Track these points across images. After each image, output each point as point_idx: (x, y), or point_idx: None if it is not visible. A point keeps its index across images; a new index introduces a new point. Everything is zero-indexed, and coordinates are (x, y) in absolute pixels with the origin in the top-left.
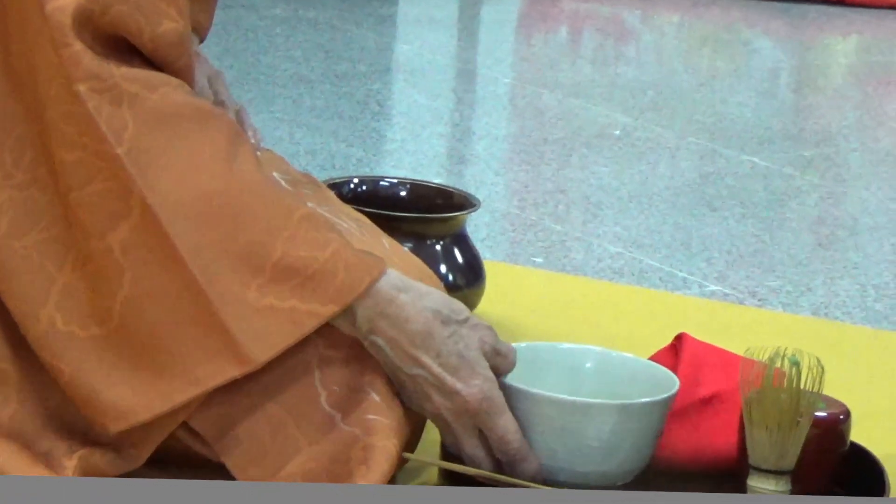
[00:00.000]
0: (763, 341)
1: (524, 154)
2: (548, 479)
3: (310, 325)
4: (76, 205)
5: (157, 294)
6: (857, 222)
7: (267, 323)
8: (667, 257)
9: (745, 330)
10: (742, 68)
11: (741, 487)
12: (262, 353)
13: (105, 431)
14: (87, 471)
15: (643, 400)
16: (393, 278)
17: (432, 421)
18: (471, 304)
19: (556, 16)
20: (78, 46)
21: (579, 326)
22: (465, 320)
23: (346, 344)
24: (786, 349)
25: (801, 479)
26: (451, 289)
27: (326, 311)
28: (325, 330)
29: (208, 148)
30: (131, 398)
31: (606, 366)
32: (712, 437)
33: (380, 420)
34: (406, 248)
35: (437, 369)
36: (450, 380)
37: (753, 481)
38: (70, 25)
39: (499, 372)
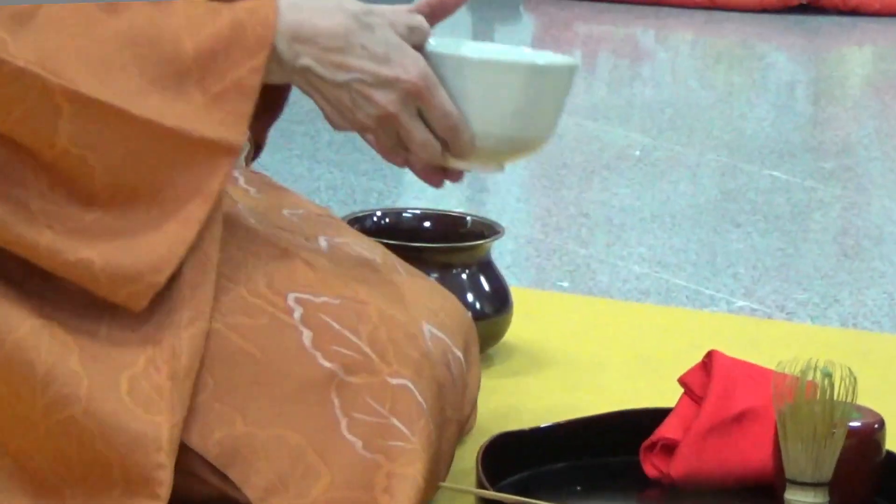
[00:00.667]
0: (793, 354)
1: (545, 179)
2: (477, 146)
3: (256, 81)
4: (12, 131)
5: (124, 153)
6: (882, 231)
7: (223, 108)
8: (692, 275)
9: (775, 344)
10: (758, 83)
11: (779, 502)
12: (236, 134)
13: (155, 286)
14: None
15: (562, 61)
16: (288, 3)
17: (374, 132)
18: (499, 332)
19: (570, 38)
20: None
21: (608, 349)
22: (370, 11)
23: (365, 369)
24: (817, 361)
25: (839, 490)
26: (479, 317)
27: (259, 61)
28: (343, 357)
29: (86, 7)
30: (158, 244)
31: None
32: (747, 453)
33: (402, 446)
34: (432, 278)
35: (368, 65)
36: (385, 69)
37: (791, 494)
38: None
39: (418, 45)
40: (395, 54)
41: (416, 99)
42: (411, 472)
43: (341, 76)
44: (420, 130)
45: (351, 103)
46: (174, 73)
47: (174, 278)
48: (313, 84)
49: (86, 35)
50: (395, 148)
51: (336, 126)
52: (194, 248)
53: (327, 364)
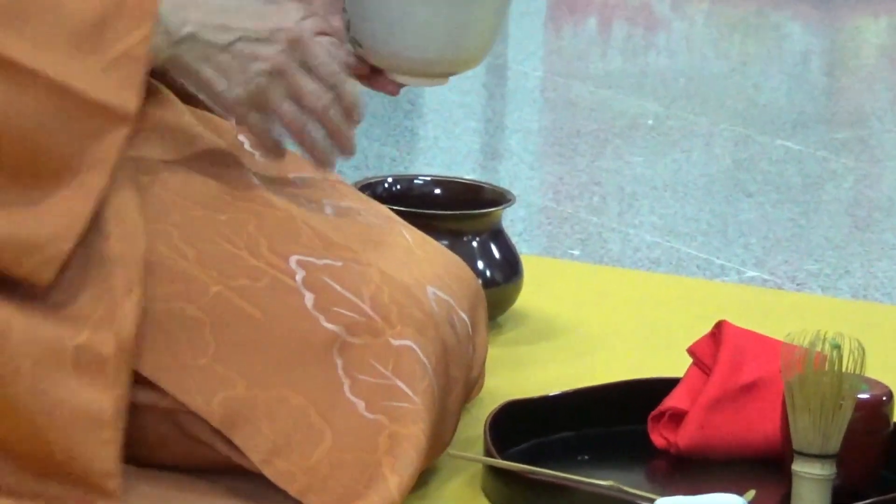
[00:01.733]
0: (803, 325)
1: (558, 147)
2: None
3: (144, 50)
4: None
5: (28, 118)
6: (894, 203)
7: (119, 74)
8: (704, 245)
9: (785, 315)
10: (773, 53)
11: (786, 473)
12: (130, 102)
13: (61, 254)
14: None
15: None
16: None
17: (259, 96)
18: (509, 299)
19: (585, 7)
20: None
21: (618, 317)
22: None
23: (367, 331)
24: (826, 333)
25: (846, 462)
26: (489, 285)
27: (145, 30)
28: (346, 318)
29: None
30: (56, 213)
31: None
32: (755, 424)
33: (405, 406)
34: (443, 245)
35: (248, 23)
36: (266, 23)
37: (798, 466)
38: None
39: None
40: (270, 8)
41: (303, 49)
42: (414, 432)
43: (225, 37)
44: (308, 82)
45: (239, 65)
46: (70, 35)
47: (101, 248)
48: (199, 53)
49: None
50: (269, 133)
51: (227, 100)
52: (119, 217)
53: (330, 326)
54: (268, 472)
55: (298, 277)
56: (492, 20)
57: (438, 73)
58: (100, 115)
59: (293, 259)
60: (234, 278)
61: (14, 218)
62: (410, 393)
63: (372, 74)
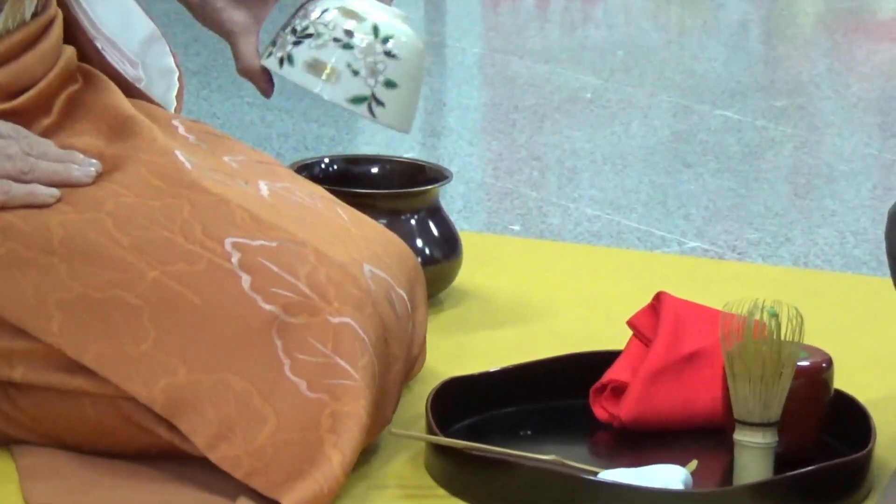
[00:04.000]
0: (745, 294)
1: (497, 123)
2: None
3: None
4: None
5: None
6: (833, 170)
7: None
8: (644, 217)
9: (727, 284)
10: (710, 23)
11: (728, 442)
12: None
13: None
14: None
15: None
16: None
17: None
18: (449, 277)
19: None
20: None
21: (559, 291)
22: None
23: (305, 310)
24: (764, 301)
25: (788, 430)
26: (429, 262)
27: None
28: (283, 298)
29: None
30: None
31: None
32: (697, 394)
33: (346, 384)
34: (381, 223)
35: None
36: None
37: (740, 435)
38: None
39: None
40: None
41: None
42: (356, 409)
43: None
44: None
45: None
46: None
47: None
48: None
49: None
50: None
51: None
52: None
53: (267, 307)
54: (213, 457)
55: (234, 259)
56: None
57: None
58: None
59: (228, 241)
60: (171, 263)
61: None
62: (351, 370)
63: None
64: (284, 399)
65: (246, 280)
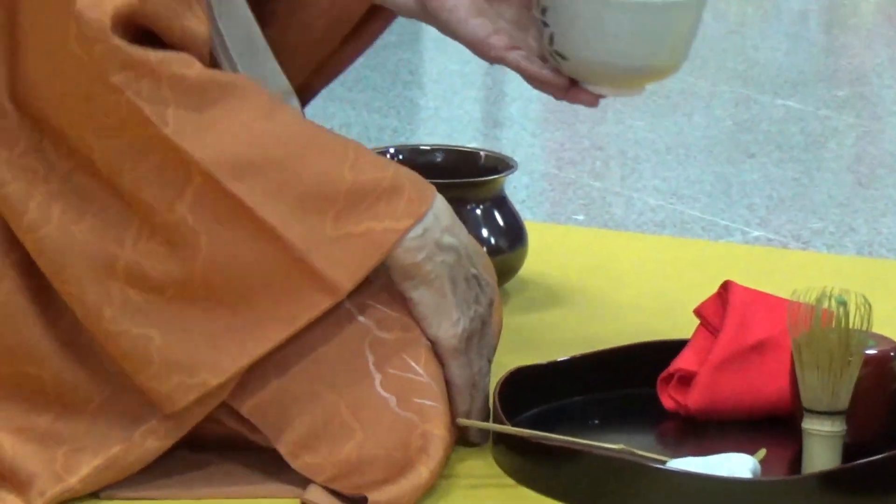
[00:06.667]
0: (809, 284)
1: (559, 113)
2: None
3: (389, 242)
4: (134, 185)
5: (235, 248)
6: None
7: (348, 250)
8: (707, 206)
9: (791, 274)
10: (771, 12)
11: (795, 431)
12: (348, 279)
13: (206, 386)
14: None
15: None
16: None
17: (469, 339)
18: (514, 266)
19: None
20: (114, 41)
21: (623, 281)
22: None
23: (398, 326)
24: (832, 289)
25: (856, 418)
26: (494, 252)
27: (402, 225)
28: (377, 312)
29: (249, 110)
30: (227, 348)
31: None
32: (764, 383)
33: (434, 406)
34: None
35: (480, 260)
36: (488, 272)
37: (808, 424)
38: (106, 22)
39: None
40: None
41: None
42: (443, 434)
43: (471, 266)
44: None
45: (468, 300)
46: (317, 196)
47: None
48: (450, 268)
49: (244, 128)
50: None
51: (450, 328)
52: None
53: (362, 319)
54: (295, 465)
55: None
56: (693, 26)
57: (639, 81)
58: (311, 282)
59: None
60: None
61: (182, 334)
62: (438, 391)
63: (570, 87)
64: (373, 414)
65: None
